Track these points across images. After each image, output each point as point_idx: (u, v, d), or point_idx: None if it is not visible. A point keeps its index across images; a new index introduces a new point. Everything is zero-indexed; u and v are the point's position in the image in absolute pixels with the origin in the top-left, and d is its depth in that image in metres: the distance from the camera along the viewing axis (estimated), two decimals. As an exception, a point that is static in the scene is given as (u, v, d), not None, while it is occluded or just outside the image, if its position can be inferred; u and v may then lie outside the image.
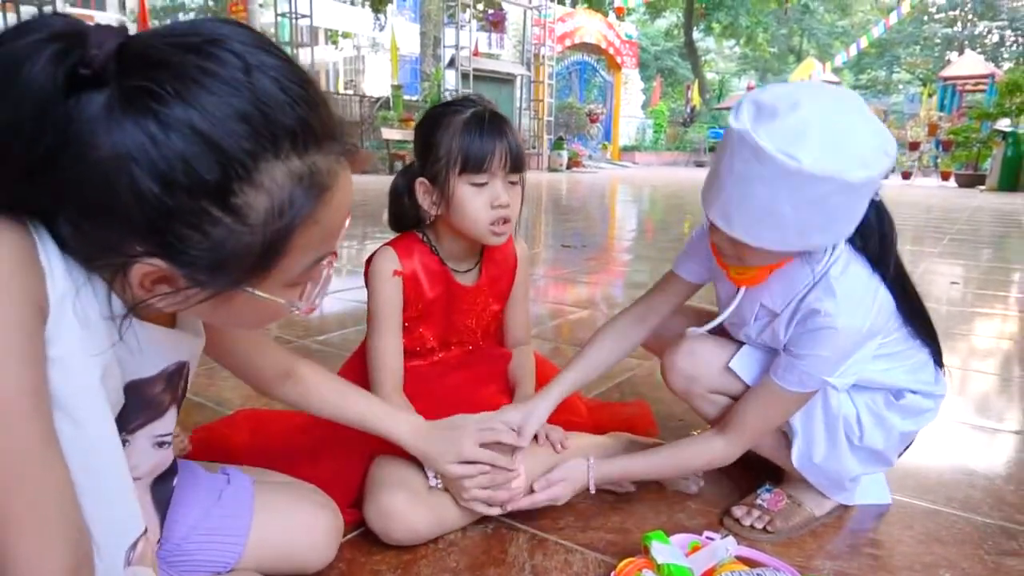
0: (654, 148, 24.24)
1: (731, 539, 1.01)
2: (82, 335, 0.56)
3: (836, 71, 24.24)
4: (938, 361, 1.16)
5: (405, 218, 1.31)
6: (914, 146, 16.24)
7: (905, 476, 1.34)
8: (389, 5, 18.29)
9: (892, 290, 1.03)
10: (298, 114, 0.55)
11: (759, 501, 1.20)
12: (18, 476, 0.50)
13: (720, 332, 1.24)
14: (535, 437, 1.24)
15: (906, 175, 15.34)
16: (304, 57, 12.81)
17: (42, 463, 0.52)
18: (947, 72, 19.57)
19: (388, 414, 1.06)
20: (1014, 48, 33.66)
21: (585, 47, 19.77)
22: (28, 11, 8.75)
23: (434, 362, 1.36)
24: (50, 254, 0.54)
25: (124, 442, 0.67)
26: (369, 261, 1.29)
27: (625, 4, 16.45)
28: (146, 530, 0.65)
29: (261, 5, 14.93)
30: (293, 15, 12.47)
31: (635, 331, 1.27)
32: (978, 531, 1.18)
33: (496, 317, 1.42)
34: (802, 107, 0.87)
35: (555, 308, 2.85)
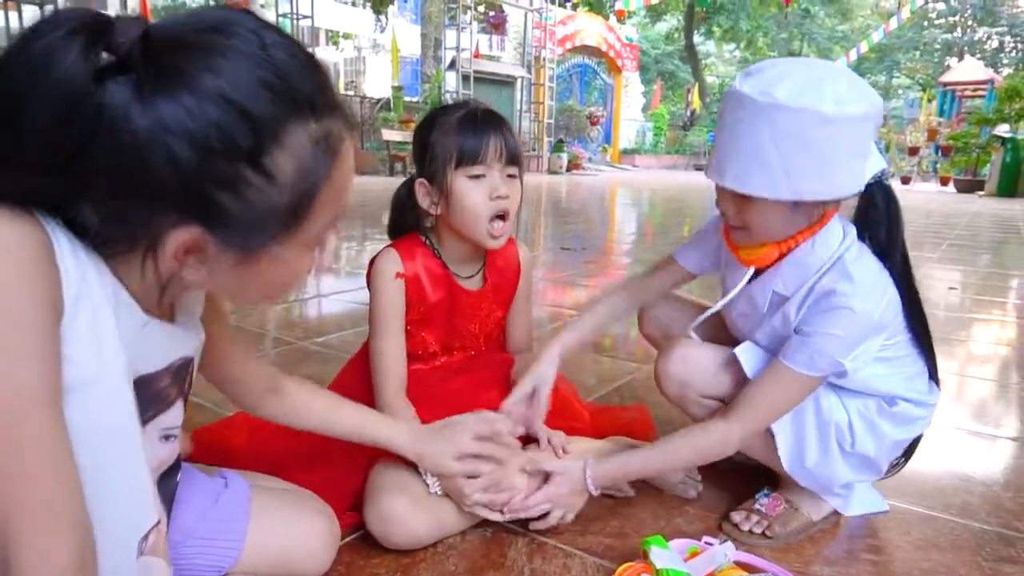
0: (654, 151, 24.25)
1: (730, 544, 1.02)
2: (94, 334, 0.57)
3: (836, 75, 24.19)
4: (933, 375, 1.17)
5: (405, 227, 1.32)
6: (913, 151, 16.26)
7: (903, 482, 1.34)
8: (390, 6, 18.30)
9: (898, 287, 1.05)
10: (312, 83, 0.60)
11: (757, 506, 1.20)
12: (31, 472, 0.51)
13: (722, 333, 1.24)
14: (536, 441, 1.25)
15: (905, 180, 15.37)
16: (305, 58, 12.77)
17: (54, 460, 0.53)
18: (947, 77, 19.65)
19: (383, 422, 1.07)
20: (1013, 54, 33.74)
21: (586, 50, 19.80)
22: (28, 10, 8.75)
23: (436, 366, 1.36)
24: (64, 251, 0.55)
25: None
26: (372, 263, 1.29)
27: (626, 7, 16.41)
28: (159, 521, 0.65)
29: (262, 5, 14.93)
30: (294, 16, 12.48)
31: (625, 309, 1.36)
32: (976, 537, 1.19)
33: (499, 323, 1.42)
34: (784, 64, 0.97)
35: (554, 311, 2.86)
